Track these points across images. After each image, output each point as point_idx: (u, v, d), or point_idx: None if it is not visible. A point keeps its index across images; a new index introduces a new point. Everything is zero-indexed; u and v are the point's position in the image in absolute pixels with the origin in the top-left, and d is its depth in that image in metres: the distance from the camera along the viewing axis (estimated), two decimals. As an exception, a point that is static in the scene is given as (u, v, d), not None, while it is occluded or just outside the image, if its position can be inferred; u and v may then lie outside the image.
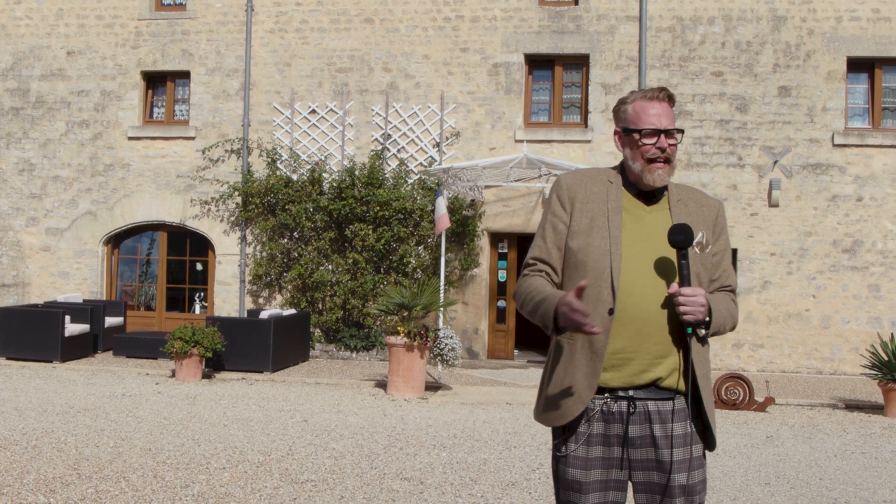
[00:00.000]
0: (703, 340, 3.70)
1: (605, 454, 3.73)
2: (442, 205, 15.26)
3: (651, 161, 3.77)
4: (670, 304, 3.64)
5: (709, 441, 3.81)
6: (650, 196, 3.85)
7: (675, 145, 3.78)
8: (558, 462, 3.82)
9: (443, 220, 15.23)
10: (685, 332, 3.64)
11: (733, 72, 18.23)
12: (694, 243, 3.74)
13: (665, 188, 3.88)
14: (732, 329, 3.91)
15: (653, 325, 3.66)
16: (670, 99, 3.81)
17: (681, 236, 3.61)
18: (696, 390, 3.72)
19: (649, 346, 3.66)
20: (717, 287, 3.86)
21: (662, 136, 3.76)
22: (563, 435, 3.80)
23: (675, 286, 3.62)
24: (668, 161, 3.78)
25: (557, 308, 3.58)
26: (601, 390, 3.73)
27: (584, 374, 3.71)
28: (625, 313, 3.67)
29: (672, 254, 3.69)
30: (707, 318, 3.63)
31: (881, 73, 18.25)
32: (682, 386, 3.70)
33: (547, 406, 3.84)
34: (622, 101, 3.87)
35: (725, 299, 3.82)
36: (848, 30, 18.02)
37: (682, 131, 3.80)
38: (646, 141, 3.77)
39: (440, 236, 16.83)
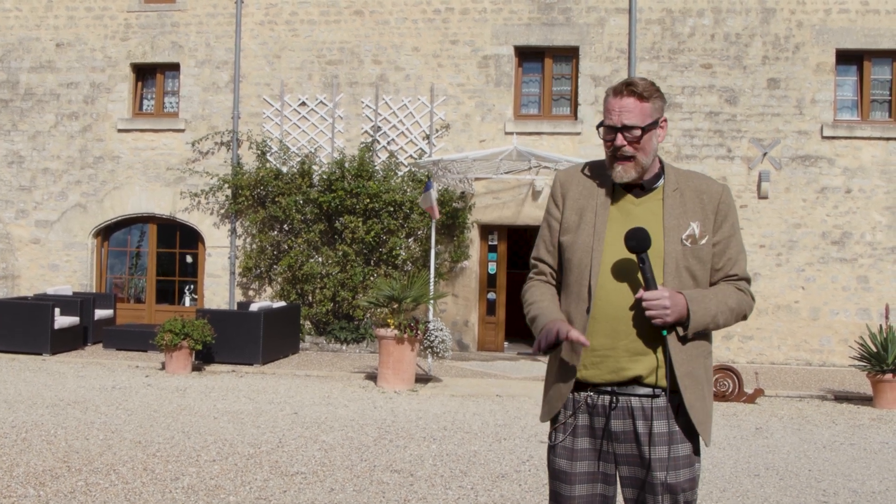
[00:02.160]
0: (684, 339, 3.67)
1: (592, 446, 3.75)
2: (430, 194, 15.27)
3: (612, 157, 3.75)
4: (641, 305, 3.63)
5: (694, 442, 3.75)
6: (641, 187, 3.80)
7: (634, 141, 3.69)
8: (549, 452, 3.87)
9: (433, 208, 15.26)
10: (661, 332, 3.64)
11: (722, 64, 18.25)
12: (683, 237, 3.70)
13: (661, 177, 3.83)
14: (743, 318, 3.86)
15: (626, 323, 3.65)
16: (637, 93, 3.69)
17: (632, 242, 3.59)
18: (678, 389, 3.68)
19: (625, 343, 3.65)
20: (723, 276, 3.80)
21: (619, 133, 3.69)
22: (553, 425, 3.85)
23: (641, 290, 3.60)
24: (627, 158, 3.71)
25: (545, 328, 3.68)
26: (584, 386, 3.75)
27: (564, 373, 3.76)
28: (600, 311, 3.68)
29: (657, 248, 3.67)
30: (684, 318, 3.61)
31: (870, 66, 18.29)
32: (663, 383, 3.67)
33: (544, 403, 3.94)
34: (605, 95, 3.83)
35: (723, 292, 3.76)
36: (837, 22, 18.05)
37: (640, 127, 3.68)
38: (605, 138, 3.75)
39: (430, 228, 16.84)
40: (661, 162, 3.86)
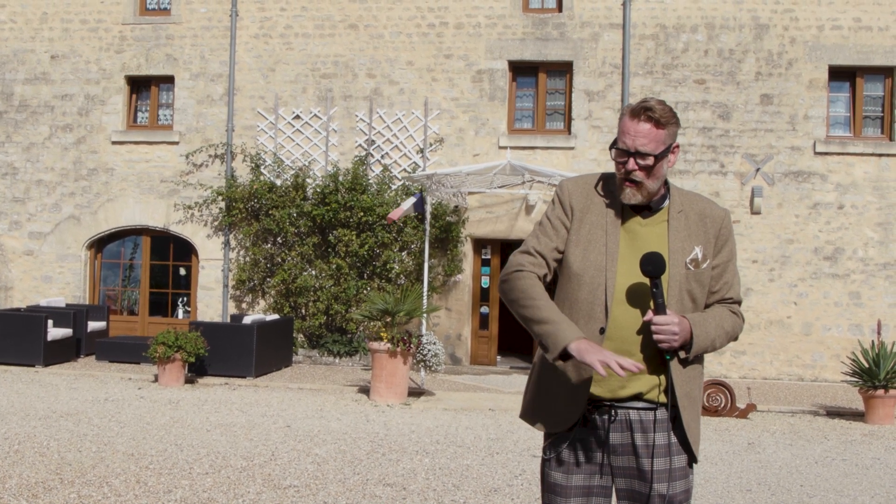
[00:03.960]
0: (684, 362, 3.70)
1: (587, 459, 3.77)
2: (408, 203, 15.44)
3: (623, 179, 3.74)
4: (648, 327, 3.65)
5: (688, 454, 3.78)
6: (648, 208, 3.80)
7: (646, 168, 3.67)
8: (543, 465, 3.88)
9: (398, 212, 15.43)
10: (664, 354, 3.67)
11: (716, 80, 18.31)
12: (687, 261, 3.72)
13: (667, 198, 3.84)
14: (734, 340, 3.91)
15: (633, 344, 3.68)
16: (654, 119, 3.66)
17: (649, 267, 3.59)
18: (678, 408, 3.72)
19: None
20: (718, 299, 3.84)
21: (632, 157, 3.67)
22: (548, 439, 3.86)
23: (649, 314, 3.62)
24: (636, 182, 3.70)
25: (577, 347, 3.52)
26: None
27: (574, 389, 3.74)
28: (609, 330, 3.70)
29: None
30: (688, 342, 3.64)
31: (862, 82, 18.36)
32: (663, 399, 3.71)
33: (537, 410, 3.89)
34: (621, 112, 3.80)
35: (719, 315, 3.79)
36: (830, 38, 18.13)
37: (653, 155, 3.66)
38: (617, 160, 3.73)
39: (424, 242, 16.87)
40: (666, 182, 3.86)
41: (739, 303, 3.91)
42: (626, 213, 3.81)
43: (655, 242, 3.75)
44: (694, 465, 3.82)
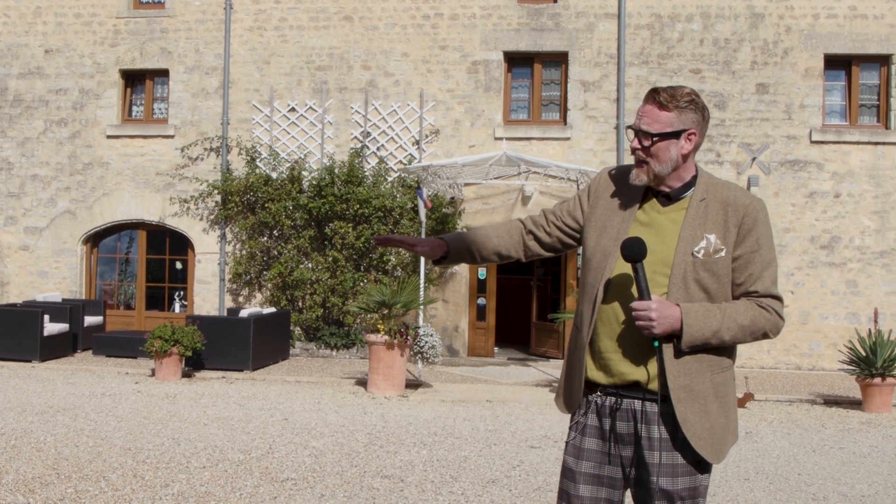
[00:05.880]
0: (681, 352, 3.62)
1: (599, 447, 3.78)
2: (421, 199, 15.44)
3: (634, 159, 3.81)
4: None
5: (688, 453, 3.67)
6: (668, 196, 3.79)
7: (646, 148, 3.70)
8: (564, 449, 3.93)
9: (422, 210, 15.47)
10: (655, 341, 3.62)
11: (711, 69, 18.29)
12: (695, 249, 3.65)
13: (692, 185, 3.79)
14: (763, 337, 3.72)
15: (629, 329, 3.66)
16: (657, 101, 3.69)
17: (626, 251, 3.59)
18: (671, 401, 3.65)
19: (625, 349, 3.68)
20: (742, 292, 3.70)
21: (636, 136, 3.74)
22: (569, 422, 3.94)
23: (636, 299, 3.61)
24: (640, 162, 3.74)
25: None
26: (594, 386, 3.79)
27: (578, 371, 3.82)
28: (607, 315, 3.72)
29: (666, 259, 3.68)
30: (677, 330, 3.57)
31: (858, 71, 18.35)
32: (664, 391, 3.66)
33: (560, 393, 4.04)
34: None
35: (737, 308, 3.64)
36: (825, 27, 18.11)
37: (650, 134, 3.68)
38: (627, 138, 3.81)
39: (420, 233, 16.85)
40: (696, 171, 3.82)
41: (775, 297, 3.73)
42: (647, 201, 3.83)
43: (669, 230, 3.73)
44: (707, 464, 3.71)
